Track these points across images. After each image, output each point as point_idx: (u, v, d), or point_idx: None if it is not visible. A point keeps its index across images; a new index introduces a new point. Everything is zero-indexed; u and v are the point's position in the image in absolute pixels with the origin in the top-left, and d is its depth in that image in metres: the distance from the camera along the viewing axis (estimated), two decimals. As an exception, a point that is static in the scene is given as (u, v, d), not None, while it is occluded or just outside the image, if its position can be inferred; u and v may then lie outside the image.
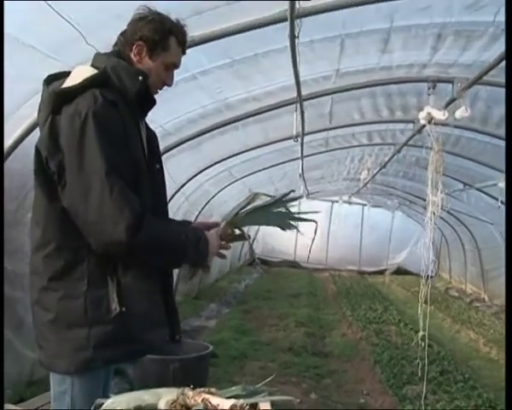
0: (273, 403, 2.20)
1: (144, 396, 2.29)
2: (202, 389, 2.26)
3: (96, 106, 2.25)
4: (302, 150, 9.36)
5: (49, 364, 2.43)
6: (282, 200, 2.85)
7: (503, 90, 6.70)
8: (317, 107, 7.37)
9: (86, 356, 2.33)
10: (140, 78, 2.44)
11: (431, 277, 20.90)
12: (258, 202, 2.85)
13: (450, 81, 6.27)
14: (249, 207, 2.78)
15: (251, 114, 6.70)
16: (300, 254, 21.20)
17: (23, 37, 3.44)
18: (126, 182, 2.25)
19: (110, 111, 2.29)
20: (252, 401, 2.18)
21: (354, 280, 18.38)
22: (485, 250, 15.41)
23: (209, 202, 11.15)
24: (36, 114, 4.17)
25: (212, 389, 2.27)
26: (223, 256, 2.72)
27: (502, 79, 6.25)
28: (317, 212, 3.24)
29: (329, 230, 21.41)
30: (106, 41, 3.71)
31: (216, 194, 11.23)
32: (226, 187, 11.26)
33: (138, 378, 5.17)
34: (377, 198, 18.00)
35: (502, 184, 9.35)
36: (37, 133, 4.31)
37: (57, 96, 2.33)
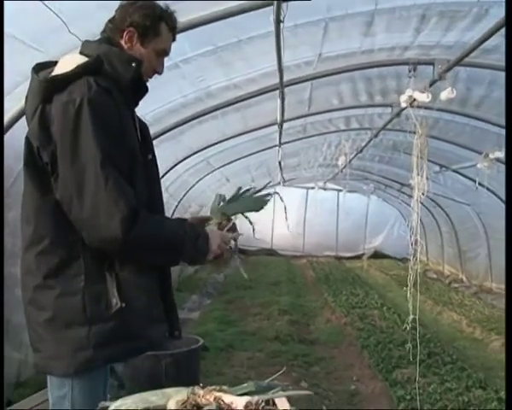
0: (289, 398, 2.12)
1: (152, 397, 2.20)
2: (213, 387, 2.18)
3: (91, 93, 2.14)
4: (280, 138, 9.30)
5: (47, 366, 2.31)
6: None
7: (482, 71, 6.74)
8: (295, 93, 7.31)
9: (87, 356, 2.22)
10: (133, 64, 2.34)
11: (407, 259, 21.03)
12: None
13: (430, 63, 6.25)
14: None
15: (231, 102, 6.61)
16: (277, 242, 21.19)
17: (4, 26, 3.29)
18: (121, 173, 2.15)
19: (105, 99, 2.19)
20: (267, 397, 2.11)
21: (332, 266, 18.40)
22: (462, 231, 15.55)
23: (188, 192, 11.03)
24: (17, 108, 4.09)
25: (224, 387, 2.18)
26: (231, 251, 2.61)
27: (482, 60, 6.27)
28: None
29: (305, 217, 21.42)
30: (89, 30, 3.59)
31: (194, 184, 11.11)
32: (204, 177, 11.14)
33: (129, 375, 5.04)
34: (353, 183, 17.98)
35: (480, 165, 9.40)
36: (18, 127, 4.22)
37: (48, 83, 2.21)
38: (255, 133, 9.22)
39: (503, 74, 6.63)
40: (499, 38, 5.33)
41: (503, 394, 5.90)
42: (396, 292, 13.71)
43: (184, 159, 8.67)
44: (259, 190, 2.88)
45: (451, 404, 5.71)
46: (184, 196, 11.02)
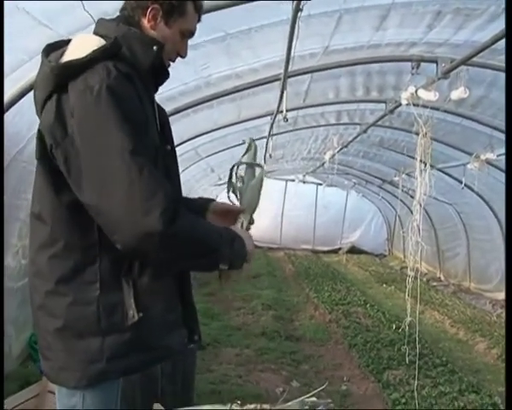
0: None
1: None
2: (253, 406, 2.03)
3: (110, 79, 1.91)
4: (271, 129, 9.15)
5: (56, 377, 2.12)
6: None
7: (484, 72, 6.65)
8: (293, 85, 7.13)
9: (99, 368, 2.03)
10: (155, 48, 2.13)
11: (384, 256, 21.22)
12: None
13: (434, 61, 6.14)
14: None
15: (230, 92, 6.42)
16: (254, 233, 20.92)
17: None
18: (152, 164, 1.93)
19: (126, 85, 1.96)
20: (313, 417, 1.96)
21: (310, 260, 18.35)
22: (442, 230, 15.60)
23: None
24: (19, 86, 3.85)
25: (265, 406, 2.03)
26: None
27: (487, 61, 6.18)
28: None
29: (283, 209, 21.34)
30: (103, 9, 3.38)
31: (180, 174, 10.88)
32: (190, 166, 10.94)
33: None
34: (333, 177, 17.95)
35: (471, 166, 9.37)
36: (20, 106, 3.99)
37: (63, 70, 1.96)
38: (245, 124, 9.05)
39: (504, 76, 6.60)
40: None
41: (496, 399, 5.87)
42: (376, 289, 13.73)
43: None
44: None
45: (447, 408, 5.64)
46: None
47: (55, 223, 2.05)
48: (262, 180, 2.54)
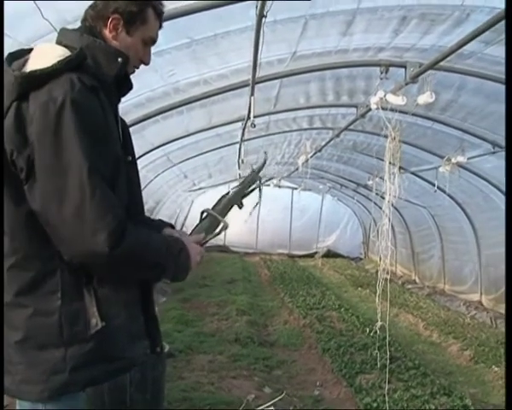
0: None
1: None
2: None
3: (74, 92, 1.90)
4: (243, 135, 9.14)
5: (18, 391, 2.06)
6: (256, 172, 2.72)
7: (451, 76, 6.71)
8: (263, 91, 7.14)
9: (62, 380, 1.99)
10: (119, 59, 2.12)
11: (360, 259, 21.34)
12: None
13: (402, 66, 6.17)
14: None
15: (199, 98, 6.41)
16: (230, 238, 21.00)
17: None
18: (107, 182, 1.93)
19: (90, 99, 1.95)
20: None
21: (286, 264, 18.35)
22: (416, 233, 15.71)
23: (145, 187, 10.75)
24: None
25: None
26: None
27: (455, 65, 6.23)
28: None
29: (259, 214, 21.32)
30: (62, 16, 3.34)
31: (152, 180, 10.84)
32: (163, 172, 10.89)
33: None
34: (308, 182, 18.00)
35: (442, 169, 9.44)
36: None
37: (25, 79, 1.94)
38: (216, 130, 9.05)
39: (472, 79, 6.67)
40: (476, 44, 5.30)
41: (467, 401, 5.89)
42: (351, 292, 13.77)
43: (145, 154, 8.40)
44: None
45: (418, 412, 5.65)
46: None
47: (15, 233, 2.02)
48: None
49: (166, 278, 2.26)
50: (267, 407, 2.05)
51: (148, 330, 2.30)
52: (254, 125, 6.57)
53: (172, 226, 2.61)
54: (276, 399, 2.13)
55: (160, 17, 2.27)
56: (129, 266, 2.04)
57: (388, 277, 6.01)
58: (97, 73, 2.07)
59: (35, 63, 1.99)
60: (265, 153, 2.79)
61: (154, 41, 2.28)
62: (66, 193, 1.86)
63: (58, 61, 1.95)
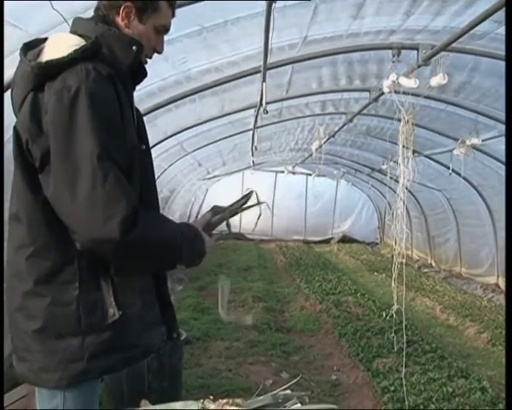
0: (310, 412, 1.96)
1: (159, 414, 2.04)
2: (225, 400, 2.02)
3: (89, 81, 1.92)
4: (256, 121, 9.13)
5: (36, 378, 2.12)
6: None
7: (465, 57, 6.64)
8: (275, 77, 7.12)
9: (80, 368, 2.03)
10: (134, 48, 2.14)
11: (376, 244, 21.22)
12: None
13: (415, 48, 6.13)
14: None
15: (211, 85, 6.40)
16: (245, 226, 20.98)
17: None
18: (121, 169, 1.94)
19: (105, 87, 1.97)
20: (286, 411, 1.95)
21: (302, 250, 18.35)
22: (432, 217, 15.63)
23: (159, 177, 10.78)
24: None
25: (237, 400, 2.02)
26: None
27: (467, 46, 6.16)
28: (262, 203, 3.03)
29: (274, 200, 21.31)
30: (73, 7, 3.35)
31: (166, 169, 10.87)
32: (177, 161, 10.91)
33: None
34: (322, 167, 17.96)
35: (457, 152, 9.37)
36: None
37: (43, 69, 1.96)
38: (228, 117, 9.04)
39: (485, 60, 6.60)
40: (488, 24, 5.24)
41: (485, 383, 5.88)
42: (367, 277, 13.75)
43: (158, 143, 8.42)
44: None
45: (436, 394, 5.64)
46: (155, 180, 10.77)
47: (33, 223, 2.04)
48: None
49: (182, 264, 2.24)
50: (283, 389, 2.05)
51: (163, 317, 2.33)
52: (267, 112, 6.57)
53: None
54: (292, 382, 2.12)
55: (173, 6, 2.29)
56: (142, 252, 2.03)
57: (404, 260, 5.98)
58: (113, 61, 2.09)
59: (50, 53, 2.02)
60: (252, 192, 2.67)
61: (166, 29, 2.30)
62: (79, 180, 1.88)
63: (74, 51, 1.98)
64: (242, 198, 2.58)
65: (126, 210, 1.88)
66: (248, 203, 2.56)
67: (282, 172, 20.60)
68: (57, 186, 1.92)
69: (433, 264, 15.49)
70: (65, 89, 1.91)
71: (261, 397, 2.04)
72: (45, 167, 1.96)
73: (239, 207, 2.51)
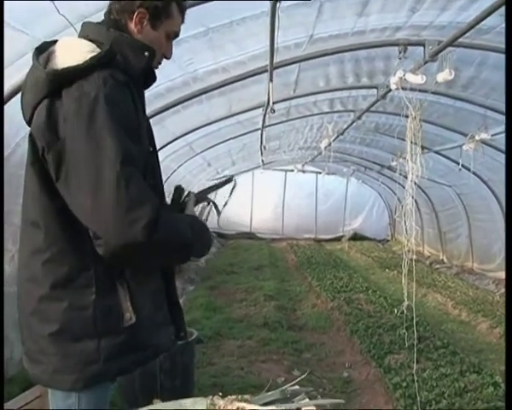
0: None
1: (169, 411, 2.06)
2: (234, 396, 2.04)
3: (107, 88, 1.94)
4: (264, 121, 9.14)
5: (51, 380, 2.14)
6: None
7: (472, 52, 6.63)
8: (282, 76, 7.14)
9: (95, 370, 2.07)
10: (146, 53, 2.16)
11: (387, 241, 21.17)
12: None
13: (421, 44, 6.12)
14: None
15: (218, 86, 6.42)
16: (256, 225, 21.09)
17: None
18: (141, 173, 1.97)
19: (122, 94, 2.00)
20: (294, 406, 1.98)
21: (313, 248, 18.36)
22: (442, 212, 15.59)
23: (169, 178, 10.81)
24: None
25: (246, 396, 2.05)
26: None
27: (474, 41, 6.15)
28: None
29: (284, 199, 21.36)
30: (79, 12, 3.39)
31: (176, 169, 10.91)
32: (186, 162, 10.95)
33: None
34: (332, 165, 17.95)
35: (466, 147, 9.35)
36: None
37: (58, 77, 1.98)
38: (237, 117, 9.06)
39: (493, 54, 6.58)
40: (494, 18, 5.23)
41: (497, 378, 5.87)
42: (379, 274, 13.75)
43: (167, 144, 8.46)
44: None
45: (448, 390, 5.64)
46: (165, 181, 10.81)
47: (50, 228, 2.06)
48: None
49: (193, 257, 2.25)
50: (291, 385, 2.08)
51: (172, 317, 2.36)
52: (274, 111, 6.59)
53: None
54: (300, 377, 2.15)
55: (183, 12, 2.31)
56: (164, 251, 2.07)
57: (414, 256, 5.98)
58: (126, 67, 2.10)
59: (64, 59, 2.03)
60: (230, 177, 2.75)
61: (176, 35, 2.32)
62: (103, 186, 1.88)
63: (90, 58, 1.99)
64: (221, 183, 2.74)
65: (151, 213, 1.90)
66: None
67: (292, 170, 20.60)
68: (80, 193, 1.94)
69: (445, 260, 15.44)
70: (84, 96, 1.93)
71: (270, 393, 2.07)
72: (62, 175, 1.97)
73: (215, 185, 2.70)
